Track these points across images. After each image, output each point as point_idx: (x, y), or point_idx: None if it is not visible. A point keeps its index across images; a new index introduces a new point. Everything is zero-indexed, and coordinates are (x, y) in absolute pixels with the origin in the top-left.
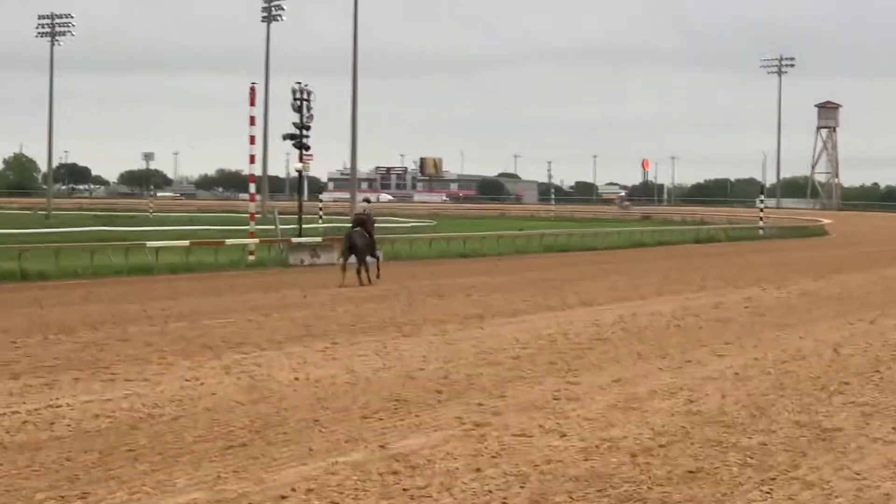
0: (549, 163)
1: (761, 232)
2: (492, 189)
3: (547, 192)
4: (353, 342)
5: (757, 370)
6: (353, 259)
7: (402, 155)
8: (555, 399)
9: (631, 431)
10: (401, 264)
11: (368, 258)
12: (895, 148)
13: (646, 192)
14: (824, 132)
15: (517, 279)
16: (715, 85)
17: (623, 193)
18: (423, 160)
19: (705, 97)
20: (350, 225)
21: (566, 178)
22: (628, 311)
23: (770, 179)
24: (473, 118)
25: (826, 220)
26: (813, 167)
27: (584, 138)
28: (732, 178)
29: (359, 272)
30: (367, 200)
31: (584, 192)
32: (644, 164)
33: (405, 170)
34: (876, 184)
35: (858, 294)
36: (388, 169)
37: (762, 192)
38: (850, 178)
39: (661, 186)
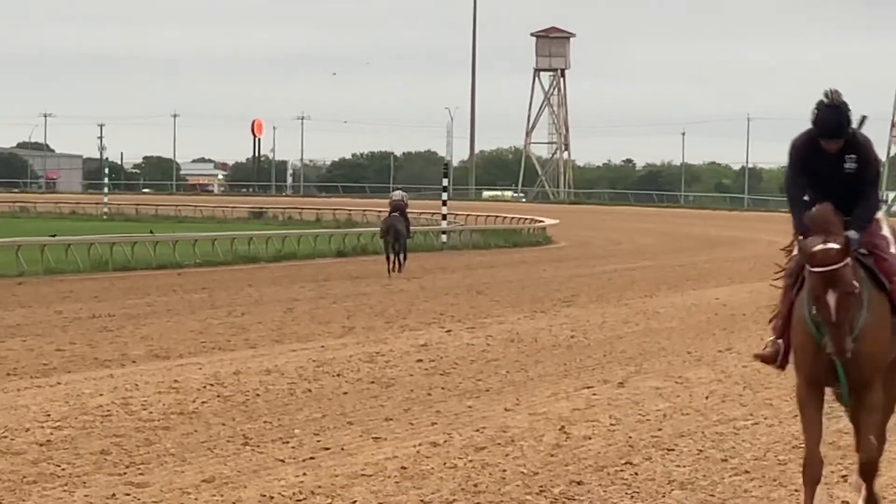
0: (102, 126)
1: (444, 239)
2: (4, 170)
3: (97, 173)
4: None
5: (437, 462)
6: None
7: None
8: None
9: None
10: None
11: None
12: (662, 99)
13: (259, 175)
14: (546, 78)
15: (47, 315)
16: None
17: None
18: None
19: (361, 21)
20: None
21: (129, 150)
22: (228, 367)
23: (460, 154)
24: None
25: (550, 221)
26: (528, 134)
27: (161, 85)
28: (398, 152)
29: (396, 260)
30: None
31: (160, 173)
32: (256, 129)
33: None
34: (629, 161)
35: (601, 339)
36: None
37: (446, 175)
38: (589, 151)
39: (284, 164)
